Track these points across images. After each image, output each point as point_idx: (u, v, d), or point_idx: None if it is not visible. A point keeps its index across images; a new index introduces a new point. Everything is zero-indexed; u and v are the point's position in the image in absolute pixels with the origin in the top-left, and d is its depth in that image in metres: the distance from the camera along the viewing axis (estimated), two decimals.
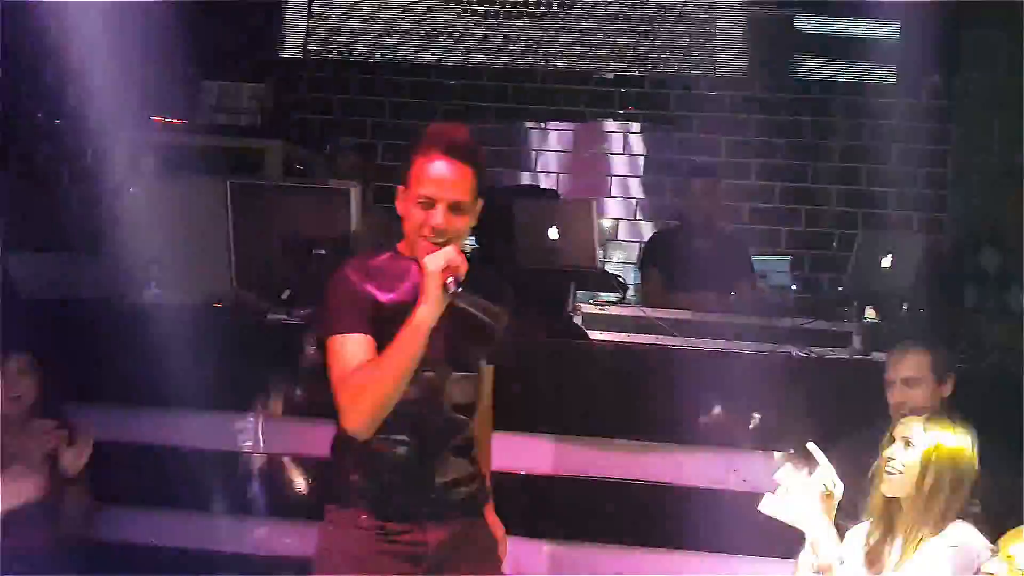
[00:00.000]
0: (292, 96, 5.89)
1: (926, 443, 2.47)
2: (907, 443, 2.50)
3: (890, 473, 2.48)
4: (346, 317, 2.24)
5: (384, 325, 2.22)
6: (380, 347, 2.22)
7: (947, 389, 3.04)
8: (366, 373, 2.20)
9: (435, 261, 2.18)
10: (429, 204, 2.25)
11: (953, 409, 2.90)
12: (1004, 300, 4.90)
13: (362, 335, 2.23)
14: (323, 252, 3.62)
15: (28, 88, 5.60)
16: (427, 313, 2.17)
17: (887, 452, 2.51)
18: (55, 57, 5.85)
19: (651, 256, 4.79)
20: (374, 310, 2.25)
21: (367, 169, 4.93)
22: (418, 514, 2.28)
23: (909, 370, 3.02)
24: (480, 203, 2.31)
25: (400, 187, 2.30)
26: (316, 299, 2.62)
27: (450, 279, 2.16)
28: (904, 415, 2.81)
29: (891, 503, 2.51)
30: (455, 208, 2.26)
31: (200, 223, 3.92)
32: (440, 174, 2.25)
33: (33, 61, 5.75)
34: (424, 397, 2.27)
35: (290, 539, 3.47)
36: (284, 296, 3.70)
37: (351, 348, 2.22)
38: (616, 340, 3.85)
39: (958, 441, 2.49)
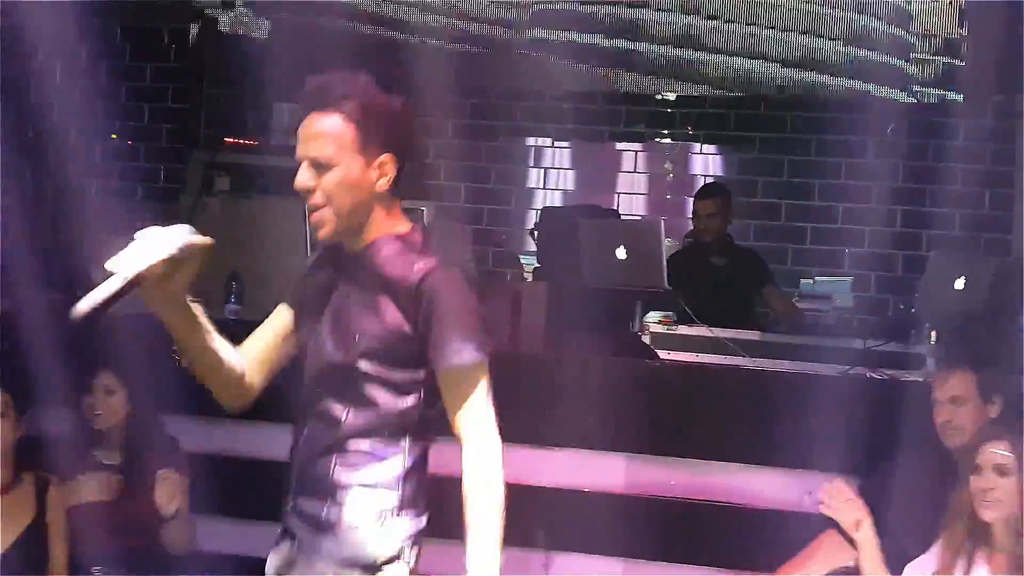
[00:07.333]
0: None
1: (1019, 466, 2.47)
2: (1001, 471, 2.49)
3: (988, 504, 2.48)
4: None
5: None
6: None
7: (994, 410, 2.98)
8: None
9: None
10: (299, 164, 1.97)
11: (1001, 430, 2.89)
12: None
13: None
14: None
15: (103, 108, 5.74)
16: None
17: (983, 483, 2.50)
18: (132, 76, 6.03)
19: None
20: None
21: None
22: None
23: (955, 389, 2.99)
24: (386, 161, 1.96)
25: None
26: None
27: None
28: (950, 434, 2.82)
29: (977, 529, 2.50)
30: (317, 166, 1.93)
31: (277, 242, 4.00)
32: (302, 129, 1.96)
33: (109, 81, 5.90)
34: None
35: None
36: None
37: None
38: (686, 360, 3.86)
39: None
